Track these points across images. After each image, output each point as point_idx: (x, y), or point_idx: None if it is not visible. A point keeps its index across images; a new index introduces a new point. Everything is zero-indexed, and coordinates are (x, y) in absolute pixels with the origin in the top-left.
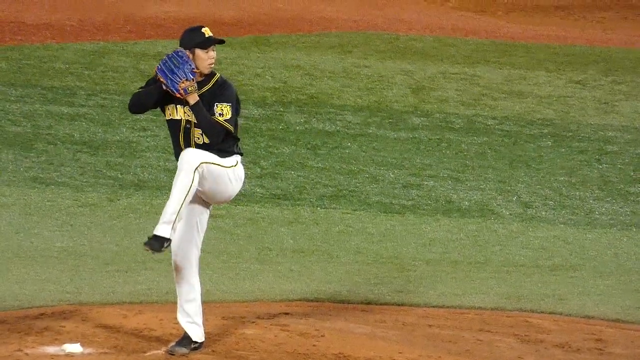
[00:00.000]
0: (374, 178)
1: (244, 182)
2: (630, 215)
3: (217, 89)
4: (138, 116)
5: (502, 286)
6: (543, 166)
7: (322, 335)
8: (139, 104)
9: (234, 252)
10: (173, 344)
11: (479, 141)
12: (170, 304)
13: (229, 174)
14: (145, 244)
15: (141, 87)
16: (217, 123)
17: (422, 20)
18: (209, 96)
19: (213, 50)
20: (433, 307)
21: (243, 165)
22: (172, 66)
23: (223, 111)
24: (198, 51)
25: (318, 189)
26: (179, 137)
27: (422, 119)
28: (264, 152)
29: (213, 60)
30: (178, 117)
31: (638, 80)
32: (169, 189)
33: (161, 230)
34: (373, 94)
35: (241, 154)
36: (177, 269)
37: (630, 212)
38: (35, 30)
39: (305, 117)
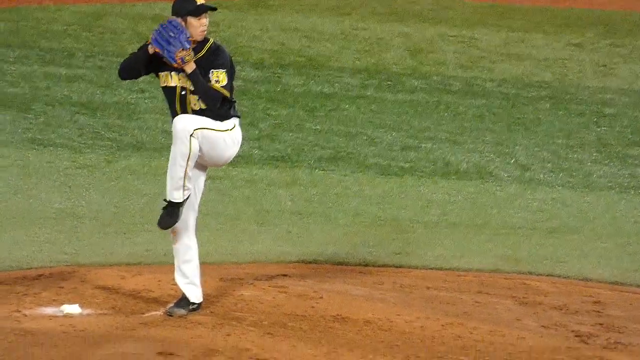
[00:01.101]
0: (372, 140)
1: (241, 144)
2: (628, 178)
3: (211, 56)
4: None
5: (500, 248)
6: (541, 129)
7: (320, 297)
8: (128, 69)
9: (231, 214)
10: (171, 305)
11: (477, 104)
12: (168, 265)
13: (225, 137)
14: (159, 223)
15: (132, 53)
16: (215, 90)
17: None
18: (204, 63)
19: (205, 18)
20: (431, 269)
21: (241, 127)
22: (168, 36)
23: (219, 78)
24: (190, 19)
25: (316, 151)
26: (175, 104)
27: (420, 81)
28: (261, 114)
29: (205, 28)
30: (173, 84)
31: (636, 43)
32: (167, 151)
33: (174, 196)
34: (371, 56)
35: (238, 117)
36: (174, 231)
37: (628, 174)
38: None
39: (303, 80)
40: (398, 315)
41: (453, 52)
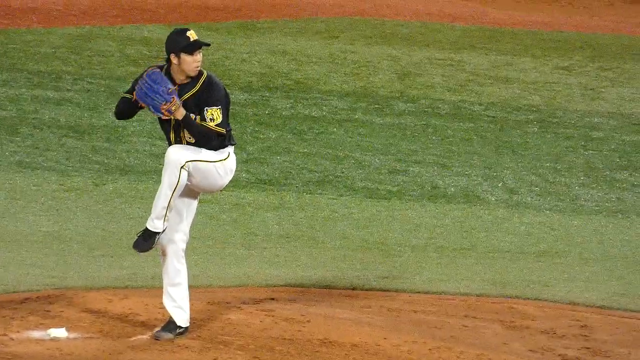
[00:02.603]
0: (360, 163)
1: (234, 171)
2: (616, 201)
3: (204, 91)
4: None
5: (488, 272)
6: (529, 152)
7: (307, 321)
8: (123, 112)
9: (219, 237)
10: (158, 329)
11: (465, 127)
12: (155, 289)
13: (218, 167)
14: (134, 246)
15: (125, 93)
16: (209, 130)
17: (408, 5)
18: (198, 98)
19: (199, 54)
20: (418, 292)
21: (235, 154)
22: (147, 90)
23: (213, 115)
24: (184, 55)
25: (304, 175)
26: (170, 134)
27: (408, 104)
28: (250, 137)
29: (199, 64)
30: (167, 117)
31: (624, 66)
32: (155, 174)
33: (153, 225)
34: (359, 79)
35: (234, 144)
36: (164, 253)
37: (615, 198)
38: (21, 14)
39: (291, 103)
40: (385, 339)
41: (441, 76)
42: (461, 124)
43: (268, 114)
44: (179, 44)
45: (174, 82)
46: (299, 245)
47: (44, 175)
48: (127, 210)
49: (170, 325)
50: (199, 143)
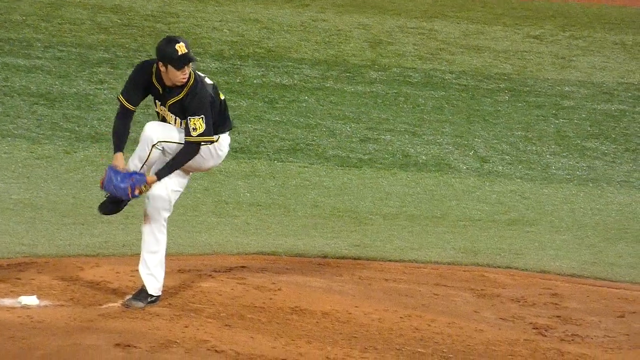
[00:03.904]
0: (331, 132)
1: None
2: (587, 170)
3: (189, 99)
4: (95, 68)
5: (459, 240)
6: (500, 121)
7: (278, 289)
8: (121, 132)
9: (190, 205)
10: (129, 297)
11: (437, 95)
12: (127, 257)
13: (205, 152)
14: (100, 208)
15: (115, 118)
16: (189, 151)
17: None
18: (182, 105)
19: (187, 68)
20: (389, 261)
21: (230, 136)
22: (113, 187)
23: (196, 125)
24: (171, 67)
25: (275, 143)
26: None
27: (379, 73)
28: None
29: (186, 76)
30: (157, 110)
31: (595, 35)
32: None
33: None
34: (331, 47)
35: (230, 129)
36: (147, 219)
37: (586, 167)
38: None
39: (262, 71)
40: (356, 307)
41: (412, 44)
42: (432, 92)
43: (239, 82)
44: (167, 55)
45: (162, 84)
46: (270, 213)
47: (14, 142)
48: (98, 178)
49: (141, 293)
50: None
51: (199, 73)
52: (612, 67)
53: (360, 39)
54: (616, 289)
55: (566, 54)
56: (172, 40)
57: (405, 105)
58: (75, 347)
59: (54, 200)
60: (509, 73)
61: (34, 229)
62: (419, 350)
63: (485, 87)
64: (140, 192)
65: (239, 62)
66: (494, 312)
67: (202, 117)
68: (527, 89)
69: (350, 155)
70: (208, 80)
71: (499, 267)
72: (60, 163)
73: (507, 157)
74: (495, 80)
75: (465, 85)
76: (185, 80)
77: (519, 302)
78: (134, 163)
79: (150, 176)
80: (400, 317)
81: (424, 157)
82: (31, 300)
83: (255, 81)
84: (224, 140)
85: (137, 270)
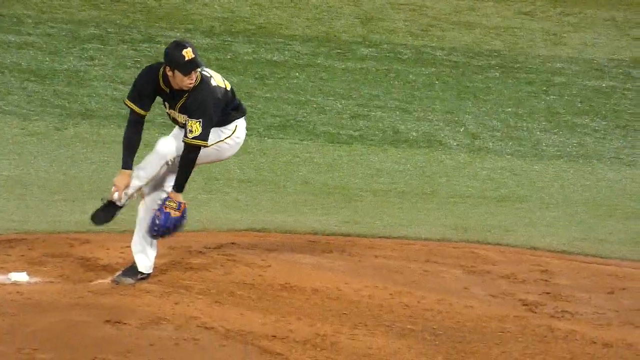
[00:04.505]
0: (322, 108)
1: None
2: (577, 146)
3: (191, 101)
4: (85, 45)
5: (449, 217)
6: (491, 97)
7: (268, 266)
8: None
9: None
10: (119, 273)
11: (427, 72)
12: (116, 233)
13: (219, 146)
14: (92, 217)
15: (131, 102)
16: (188, 154)
17: None
18: (186, 106)
19: (193, 73)
20: (379, 237)
21: (245, 121)
22: (167, 230)
23: (193, 128)
24: (178, 72)
25: (266, 119)
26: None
27: (370, 49)
28: None
29: (192, 81)
30: (167, 111)
31: (586, 11)
32: (117, 118)
33: (114, 196)
34: (321, 24)
35: (243, 115)
36: (144, 198)
37: (576, 143)
38: None
39: (253, 47)
40: (346, 283)
41: (403, 21)
42: (423, 69)
43: (230, 58)
44: (174, 60)
45: (170, 88)
46: (261, 189)
47: (5, 119)
48: (88, 155)
49: (131, 270)
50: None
51: (207, 72)
52: (603, 43)
53: (351, 16)
54: (606, 265)
55: (557, 30)
56: (179, 45)
57: (396, 82)
58: (66, 324)
59: (44, 177)
60: (500, 49)
61: (24, 205)
62: (409, 326)
63: (476, 63)
64: (171, 208)
65: (229, 39)
66: (484, 288)
67: (200, 121)
68: (518, 65)
69: (340, 132)
70: (213, 82)
71: (489, 243)
72: (51, 140)
73: (497, 133)
74: (486, 57)
75: (456, 61)
76: (191, 85)
77: (509, 278)
78: (139, 175)
79: (172, 192)
80: (390, 294)
81: (414, 133)
82: (21, 276)
83: (245, 58)
84: (240, 126)
85: (129, 247)
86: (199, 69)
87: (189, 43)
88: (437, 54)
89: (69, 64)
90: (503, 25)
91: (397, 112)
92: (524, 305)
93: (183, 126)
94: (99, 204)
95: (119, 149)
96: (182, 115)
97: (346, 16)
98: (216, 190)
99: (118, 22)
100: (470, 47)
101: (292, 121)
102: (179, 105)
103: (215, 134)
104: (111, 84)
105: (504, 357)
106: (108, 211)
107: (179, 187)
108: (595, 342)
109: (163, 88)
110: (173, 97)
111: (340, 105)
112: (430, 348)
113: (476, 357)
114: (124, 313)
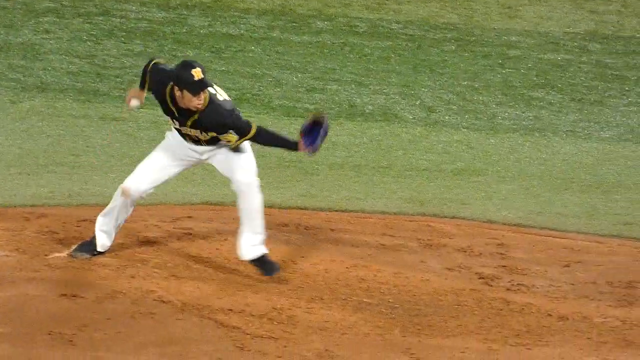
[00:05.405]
0: (278, 82)
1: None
2: (533, 120)
3: (208, 122)
4: (41, 18)
5: (405, 190)
6: (446, 70)
7: (225, 239)
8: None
9: (137, 155)
10: (75, 247)
11: (383, 45)
12: (72, 207)
13: (250, 151)
14: (266, 274)
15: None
16: (260, 141)
17: None
18: (200, 123)
19: (202, 94)
20: (336, 211)
21: None
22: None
23: (228, 137)
24: (187, 92)
25: None
26: (183, 136)
27: (325, 22)
28: (167, 56)
29: (201, 102)
30: (175, 127)
31: None
32: (72, 91)
33: (263, 243)
34: None
35: None
36: (127, 196)
37: (532, 117)
38: None
39: (209, 21)
40: (302, 257)
41: None
42: (379, 42)
43: (186, 32)
44: (183, 79)
45: (177, 107)
46: None
47: None
48: (44, 128)
49: (89, 245)
50: (208, 140)
51: (213, 90)
52: (558, 16)
53: None
54: (562, 238)
55: (513, 3)
56: (188, 65)
57: (351, 55)
58: (22, 298)
59: (0, 151)
60: (456, 23)
61: None
62: (365, 300)
63: (432, 37)
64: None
65: (185, 12)
66: (440, 262)
67: (229, 133)
68: (474, 38)
69: (296, 105)
70: (220, 97)
71: (445, 217)
72: (6, 113)
73: (453, 107)
74: (442, 30)
75: (411, 35)
76: (200, 106)
77: (465, 252)
78: (259, 216)
79: (301, 148)
80: (347, 268)
81: (370, 107)
82: None
83: (201, 31)
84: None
85: (86, 221)
86: (207, 89)
87: (198, 63)
88: (393, 27)
89: (24, 37)
90: None
91: (353, 86)
92: (480, 278)
93: (194, 141)
94: (54, 178)
95: (74, 122)
96: (195, 130)
97: None
98: None
99: None
100: (426, 21)
101: (248, 95)
102: (189, 122)
103: (245, 145)
104: (67, 57)
105: (460, 330)
106: (268, 260)
107: (290, 147)
108: (550, 315)
109: (169, 106)
110: (181, 115)
111: (296, 79)
112: (386, 321)
113: (432, 330)
114: (80, 287)
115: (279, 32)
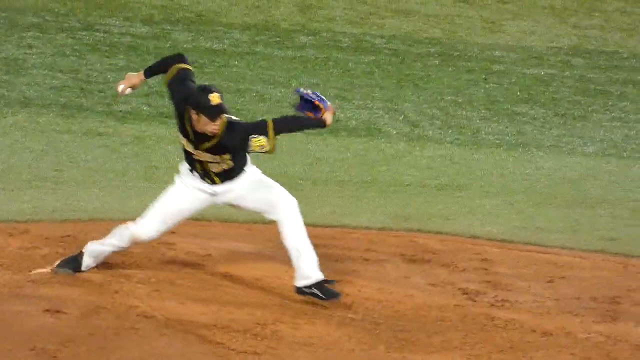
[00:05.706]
0: (262, 96)
1: (130, 101)
2: (516, 135)
3: (228, 144)
4: (24, 33)
5: (389, 206)
6: (430, 85)
7: (208, 254)
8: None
9: (120, 170)
10: (59, 262)
11: (366, 60)
12: (56, 223)
13: (263, 176)
14: (328, 299)
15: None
16: (292, 128)
17: None
18: (222, 145)
19: (219, 119)
20: (320, 226)
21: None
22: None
23: (259, 142)
24: (203, 116)
25: None
26: (195, 165)
27: (309, 37)
28: None
29: (217, 127)
30: (186, 149)
31: None
32: (56, 106)
33: (318, 273)
34: (260, 12)
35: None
36: (135, 243)
37: (516, 132)
38: None
39: (192, 36)
40: (287, 272)
41: (342, 8)
42: (362, 57)
43: (169, 47)
44: (200, 104)
45: (193, 130)
46: None
47: None
48: (27, 144)
49: (72, 261)
50: (226, 170)
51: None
52: (542, 31)
53: (290, 4)
54: (545, 254)
55: (496, 18)
56: (206, 90)
57: (335, 70)
58: (5, 313)
59: None
60: (439, 37)
61: None
62: (350, 315)
63: (416, 51)
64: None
65: (168, 27)
66: (424, 277)
67: (254, 137)
68: (457, 53)
69: None
70: (234, 117)
71: (429, 232)
72: None
73: (437, 121)
74: (426, 45)
75: (395, 49)
76: (216, 131)
77: (449, 267)
78: (306, 241)
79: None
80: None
81: (354, 121)
82: None
83: (185, 46)
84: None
85: (69, 236)
86: (224, 115)
87: (216, 88)
88: (377, 42)
89: (7, 52)
90: (442, 14)
91: (337, 100)
92: (464, 294)
93: (201, 167)
94: (38, 193)
95: (58, 137)
96: (206, 155)
97: (285, 4)
98: (156, 179)
99: (56, 10)
100: (409, 35)
101: (232, 110)
102: (204, 146)
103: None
104: (50, 72)
105: (444, 345)
106: (325, 287)
107: (314, 124)
108: (534, 331)
109: (187, 128)
110: (196, 137)
111: (279, 94)
112: (370, 337)
113: (416, 346)
114: (63, 302)
115: (262, 47)
